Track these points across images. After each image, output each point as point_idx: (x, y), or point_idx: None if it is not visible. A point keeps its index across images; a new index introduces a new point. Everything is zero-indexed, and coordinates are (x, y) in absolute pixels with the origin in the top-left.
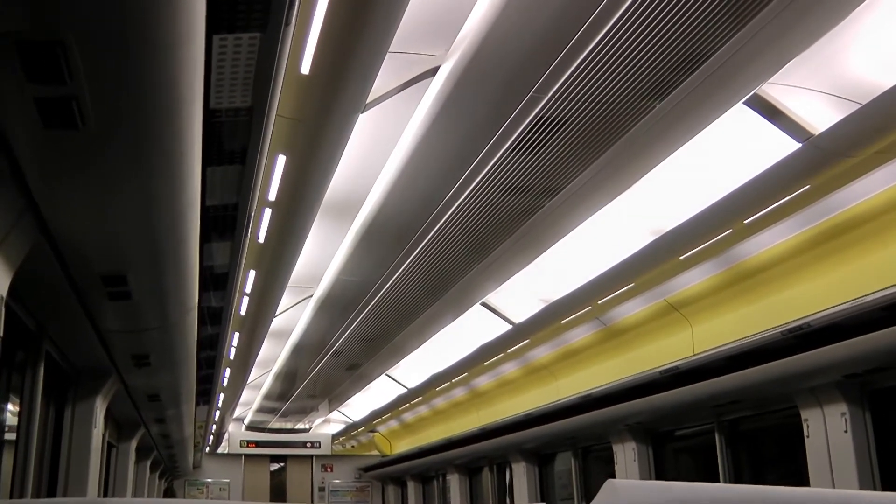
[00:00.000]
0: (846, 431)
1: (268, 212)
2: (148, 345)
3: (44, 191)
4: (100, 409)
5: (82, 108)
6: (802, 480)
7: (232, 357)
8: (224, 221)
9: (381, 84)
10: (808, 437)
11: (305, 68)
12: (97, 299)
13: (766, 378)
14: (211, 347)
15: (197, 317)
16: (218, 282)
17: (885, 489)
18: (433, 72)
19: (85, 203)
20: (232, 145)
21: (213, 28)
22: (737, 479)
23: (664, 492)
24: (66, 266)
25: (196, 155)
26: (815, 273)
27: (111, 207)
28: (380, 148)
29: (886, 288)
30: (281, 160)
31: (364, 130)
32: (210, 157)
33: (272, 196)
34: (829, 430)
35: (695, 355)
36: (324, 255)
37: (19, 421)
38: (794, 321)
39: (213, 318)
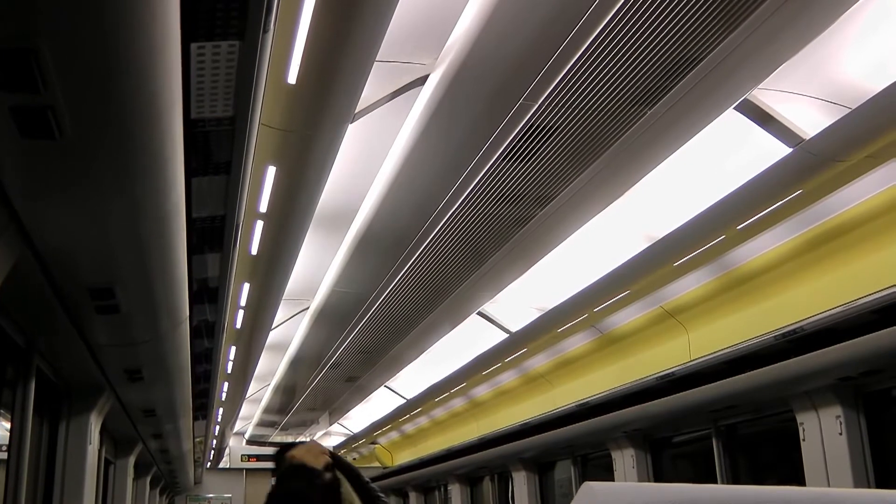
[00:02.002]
0: (841, 434)
1: (259, 224)
2: (140, 359)
3: (26, 202)
4: (94, 424)
5: (58, 117)
6: (799, 484)
7: (229, 371)
8: (212, 233)
9: (370, 93)
10: (803, 440)
11: (292, 78)
12: (85, 313)
13: (761, 382)
14: (206, 361)
15: (189, 330)
16: (209, 294)
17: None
18: (422, 80)
19: (68, 215)
20: (216, 155)
21: (189, 36)
22: (735, 483)
23: (641, 493)
24: (53, 279)
25: (179, 165)
26: (809, 277)
27: (95, 219)
28: (371, 158)
29: (879, 290)
30: (271, 171)
31: (355, 141)
32: (194, 168)
33: (263, 208)
34: (825, 433)
35: (691, 361)
36: (318, 268)
37: (11, 438)
38: (788, 325)
39: (207, 332)
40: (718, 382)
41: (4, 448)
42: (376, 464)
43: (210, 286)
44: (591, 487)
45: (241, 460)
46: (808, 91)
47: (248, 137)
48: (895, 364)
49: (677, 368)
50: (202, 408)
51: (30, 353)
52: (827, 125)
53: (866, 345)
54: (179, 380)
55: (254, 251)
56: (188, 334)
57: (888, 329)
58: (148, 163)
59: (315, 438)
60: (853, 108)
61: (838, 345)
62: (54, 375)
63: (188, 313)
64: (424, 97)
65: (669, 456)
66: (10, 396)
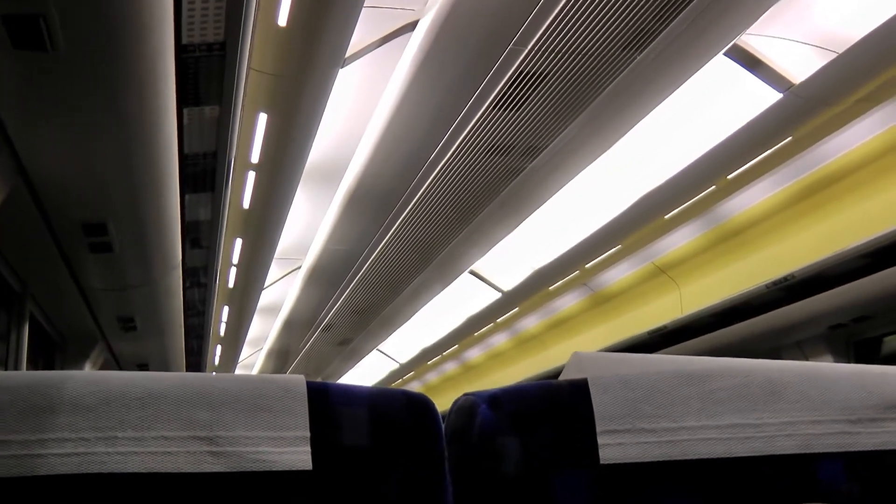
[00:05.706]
0: None
1: (251, 174)
2: (133, 306)
3: (19, 126)
4: None
5: (51, 27)
6: None
7: (222, 333)
8: (204, 172)
9: (360, 39)
10: None
11: (282, 20)
12: (78, 251)
13: (751, 333)
14: (198, 315)
15: (182, 278)
16: (202, 239)
17: None
18: (412, 26)
19: (60, 141)
20: (207, 85)
21: None
22: None
23: (631, 362)
24: (46, 214)
25: (170, 91)
26: (801, 227)
27: (87, 146)
28: (361, 111)
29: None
30: (262, 118)
31: (345, 92)
32: (186, 98)
33: (255, 158)
34: None
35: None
36: (310, 226)
37: None
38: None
39: (200, 282)
40: (708, 335)
41: None
42: None
43: (202, 231)
44: (580, 356)
45: None
46: (797, 36)
47: (239, 66)
48: (886, 309)
49: (668, 322)
50: (195, 366)
51: (23, 298)
52: (816, 69)
53: (858, 290)
54: (173, 332)
55: (246, 204)
56: (181, 282)
57: (880, 273)
58: (139, 84)
59: None
60: (840, 52)
61: (829, 291)
62: (48, 323)
63: (181, 258)
64: (415, 43)
65: None
66: (3, 347)
